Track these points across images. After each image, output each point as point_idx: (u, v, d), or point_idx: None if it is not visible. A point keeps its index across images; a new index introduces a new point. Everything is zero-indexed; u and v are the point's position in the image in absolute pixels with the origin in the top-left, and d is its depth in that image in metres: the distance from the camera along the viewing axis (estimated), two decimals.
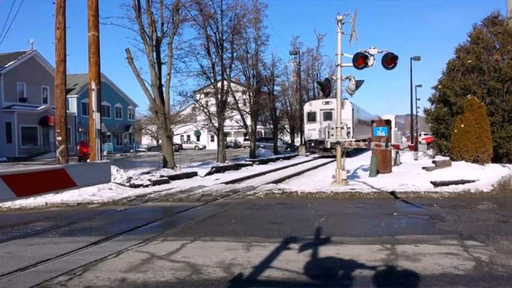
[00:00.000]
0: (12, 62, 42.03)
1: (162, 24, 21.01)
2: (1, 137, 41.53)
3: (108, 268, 5.58)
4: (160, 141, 34.86)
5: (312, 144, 34.03)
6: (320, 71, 49.53)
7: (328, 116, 32.24)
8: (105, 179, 4.98)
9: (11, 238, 7.78)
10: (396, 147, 13.62)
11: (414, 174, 15.82)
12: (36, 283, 5.02)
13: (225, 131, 29.98)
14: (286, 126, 46.91)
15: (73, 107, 50.81)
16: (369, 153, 18.96)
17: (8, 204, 11.02)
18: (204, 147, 74.32)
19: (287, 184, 14.34)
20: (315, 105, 34.42)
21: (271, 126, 40.76)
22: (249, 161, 27.52)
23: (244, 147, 62.38)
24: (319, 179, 16.00)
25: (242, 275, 5.22)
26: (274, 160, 30.44)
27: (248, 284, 4.93)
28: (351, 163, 21.41)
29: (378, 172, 16.20)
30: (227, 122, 34.58)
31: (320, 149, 32.07)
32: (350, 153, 28.53)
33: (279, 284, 4.92)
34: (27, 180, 4.09)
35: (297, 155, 35.99)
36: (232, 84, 30.49)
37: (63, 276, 5.21)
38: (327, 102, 32.46)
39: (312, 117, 33.98)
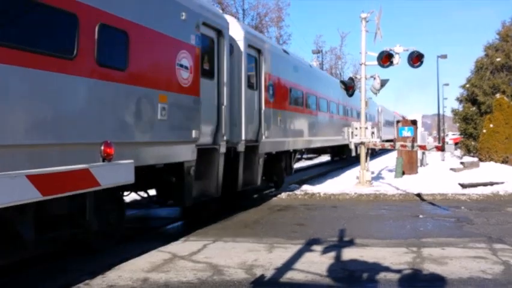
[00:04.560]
0: None
1: None
2: None
3: (130, 268, 5.61)
4: None
5: None
6: (343, 70, 49.21)
7: None
8: (128, 178, 5.06)
9: None
10: (423, 148, 13.37)
11: (441, 175, 15.51)
12: (62, 282, 5.09)
13: None
14: None
15: None
16: (393, 154, 18.66)
17: None
18: None
19: (310, 185, 14.21)
20: None
21: None
22: None
23: None
24: (342, 180, 15.82)
25: (264, 276, 5.18)
26: None
27: (270, 286, 4.89)
28: (376, 164, 21.11)
29: (403, 173, 15.92)
30: None
31: None
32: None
33: (301, 286, 4.87)
34: (53, 180, 4.16)
35: None
36: None
37: (87, 276, 5.27)
38: None
39: None
